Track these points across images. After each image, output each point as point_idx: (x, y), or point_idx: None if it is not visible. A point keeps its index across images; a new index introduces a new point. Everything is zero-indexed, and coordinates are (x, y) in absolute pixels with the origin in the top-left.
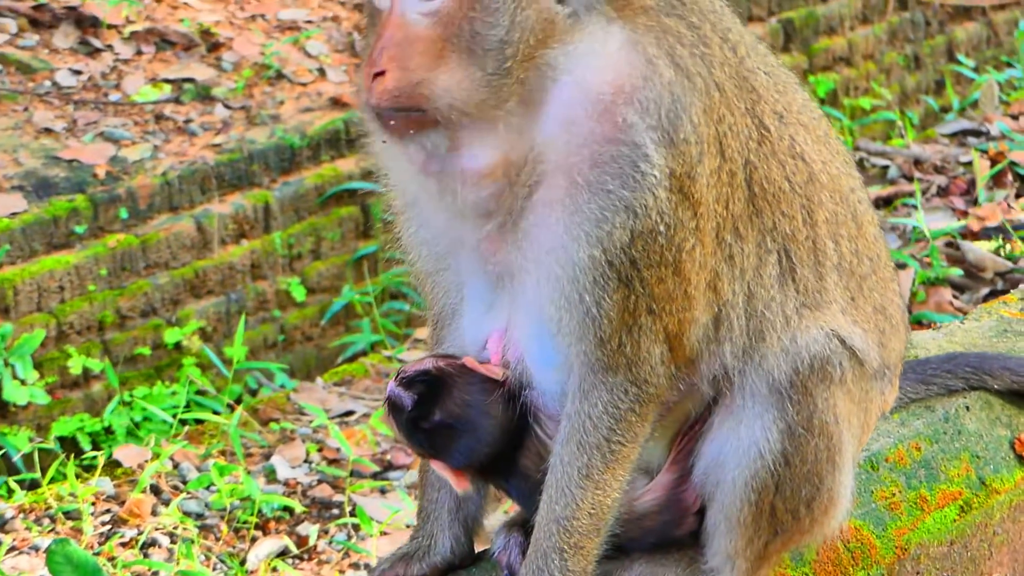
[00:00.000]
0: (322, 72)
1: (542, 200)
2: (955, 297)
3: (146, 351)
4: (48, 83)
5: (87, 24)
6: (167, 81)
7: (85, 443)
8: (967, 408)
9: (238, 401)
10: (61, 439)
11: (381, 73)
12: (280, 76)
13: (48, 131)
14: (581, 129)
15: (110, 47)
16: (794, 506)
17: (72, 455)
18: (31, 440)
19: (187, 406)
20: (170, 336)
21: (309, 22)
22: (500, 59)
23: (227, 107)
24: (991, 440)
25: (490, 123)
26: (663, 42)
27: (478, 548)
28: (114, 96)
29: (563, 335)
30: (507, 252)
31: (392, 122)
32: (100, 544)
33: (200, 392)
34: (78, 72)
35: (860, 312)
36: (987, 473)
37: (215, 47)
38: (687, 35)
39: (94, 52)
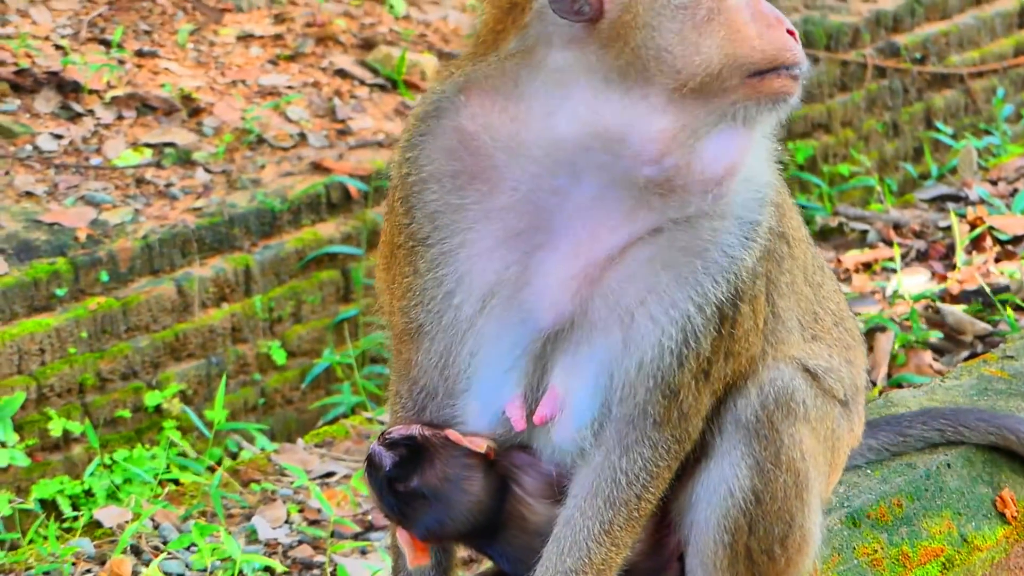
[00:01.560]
0: (303, 137)
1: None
2: (935, 360)
3: (126, 414)
4: (29, 147)
5: (68, 89)
6: (148, 145)
7: (65, 505)
8: (948, 465)
9: (219, 463)
10: (42, 501)
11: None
12: (261, 141)
13: (29, 195)
14: None
15: (91, 112)
16: (768, 545)
17: (52, 517)
18: (11, 502)
19: (167, 468)
20: (150, 399)
21: (290, 87)
22: None
23: (208, 171)
24: (972, 498)
25: None
26: None
27: None
28: (95, 160)
29: (630, 385)
30: (597, 288)
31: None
32: None
33: (181, 455)
34: (59, 136)
35: (821, 324)
36: (969, 530)
37: (196, 112)
38: None
39: (75, 117)
